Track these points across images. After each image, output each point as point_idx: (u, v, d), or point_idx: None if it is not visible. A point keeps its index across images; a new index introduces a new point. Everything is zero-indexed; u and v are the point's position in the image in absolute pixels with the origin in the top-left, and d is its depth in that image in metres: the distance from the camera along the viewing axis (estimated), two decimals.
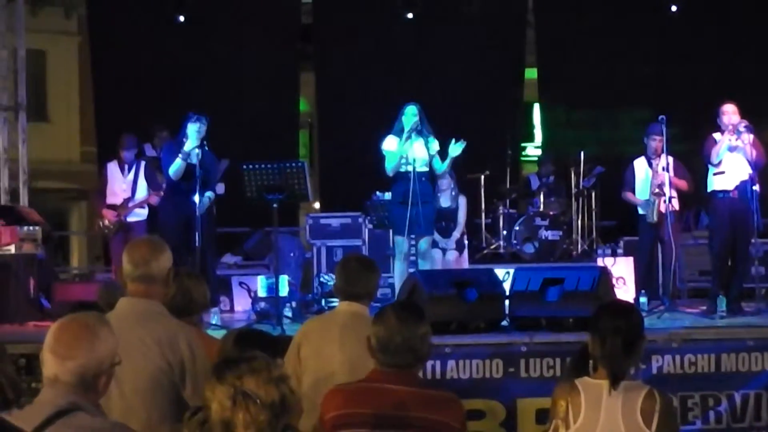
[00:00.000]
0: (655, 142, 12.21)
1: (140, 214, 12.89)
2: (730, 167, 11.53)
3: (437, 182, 12.90)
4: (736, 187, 11.51)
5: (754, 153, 11.39)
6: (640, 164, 12.45)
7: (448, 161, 11.52)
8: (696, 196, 12.45)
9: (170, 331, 4.98)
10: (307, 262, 14.06)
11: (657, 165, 12.13)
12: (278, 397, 3.56)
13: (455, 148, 11.39)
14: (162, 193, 12.51)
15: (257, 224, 13.79)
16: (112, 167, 12.98)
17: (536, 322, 10.24)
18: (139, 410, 4.79)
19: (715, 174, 11.63)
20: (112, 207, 12.78)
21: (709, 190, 11.75)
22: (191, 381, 4.89)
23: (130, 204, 12.76)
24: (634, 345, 4.84)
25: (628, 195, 12.53)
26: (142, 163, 12.99)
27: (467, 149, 11.88)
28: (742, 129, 11.39)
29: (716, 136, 11.57)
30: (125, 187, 12.83)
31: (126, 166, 12.88)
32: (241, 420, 3.51)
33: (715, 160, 11.54)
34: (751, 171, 11.42)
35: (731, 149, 11.46)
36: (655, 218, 12.09)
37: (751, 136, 11.46)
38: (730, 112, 11.50)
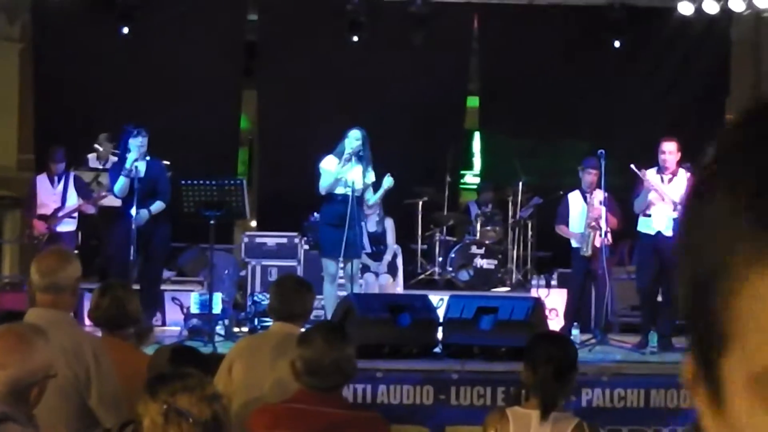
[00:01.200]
0: (591, 175, 12.32)
1: (70, 224, 12.83)
2: (656, 211, 11.71)
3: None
4: (660, 231, 11.66)
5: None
6: (574, 198, 12.53)
7: (380, 193, 11.57)
8: (629, 232, 12.53)
9: (75, 340, 4.98)
10: (241, 280, 14.00)
11: (593, 198, 12.23)
12: (211, 416, 3.54)
13: (387, 181, 11.45)
14: (94, 203, 12.56)
15: (193, 240, 13.72)
16: (41, 179, 12.95)
17: (469, 350, 10.28)
18: (45, 420, 4.74)
19: (643, 215, 11.82)
20: (42, 218, 12.70)
21: (637, 228, 11.92)
22: (96, 389, 4.91)
23: (60, 213, 12.68)
24: (567, 375, 4.86)
25: (562, 228, 12.60)
26: (72, 175, 12.94)
27: (407, 174, 11.90)
28: (664, 188, 11.56)
29: (650, 173, 11.71)
30: (55, 198, 12.77)
31: (56, 178, 12.83)
32: None
33: (637, 211, 11.76)
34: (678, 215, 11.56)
35: (658, 196, 11.64)
36: (590, 252, 12.18)
37: (688, 178, 11.59)
38: (667, 153, 11.61)
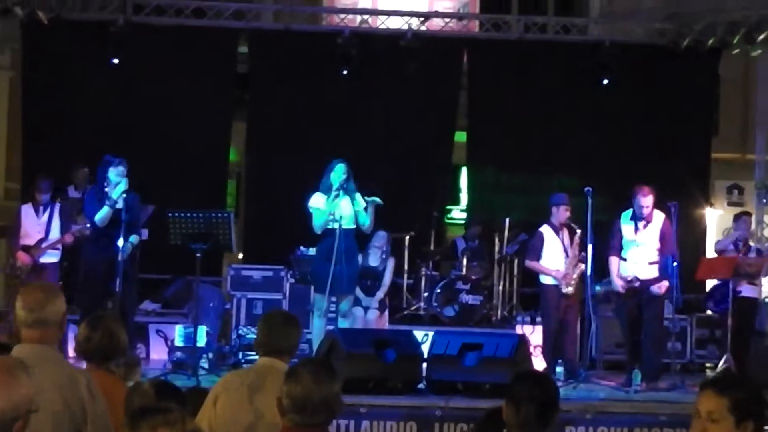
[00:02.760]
0: (567, 212, 12.38)
1: (54, 255, 12.76)
2: (631, 257, 11.82)
3: (371, 238, 13.03)
4: (635, 275, 11.74)
5: (659, 246, 11.72)
6: (548, 233, 12.52)
7: (370, 211, 11.56)
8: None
9: (68, 374, 4.97)
10: (226, 313, 13.97)
11: (576, 236, 12.27)
12: None
13: (373, 200, 11.48)
14: (76, 234, 12.46)
15: (180, 272, 13.70)
16: (27, 209, 12.89)
17: (453, 387, 10.29)
18: None
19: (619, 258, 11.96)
20: (26, 248, 12.65)
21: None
22: (92, 423, 4.88)
23: (44, 245, 12.64)
24: (548, 414, 4.86)
25: (533, 264, 12.58)
26: (57, 205, 12.90)
27: (394, 208, 11.90)
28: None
29: (624, 216, 11.85)
30: (39, 228, 12.72)
31: (41, 208, 12.78)
32: None
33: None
34: (654, 259, 11.73)
35: (634, 243, 11.79)
36: (573, 290, 12.22)
37: (663, 219, 11.76)
38: (644, 207, 11.75)
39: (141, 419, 3.59)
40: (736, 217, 13.66)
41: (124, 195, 11.29)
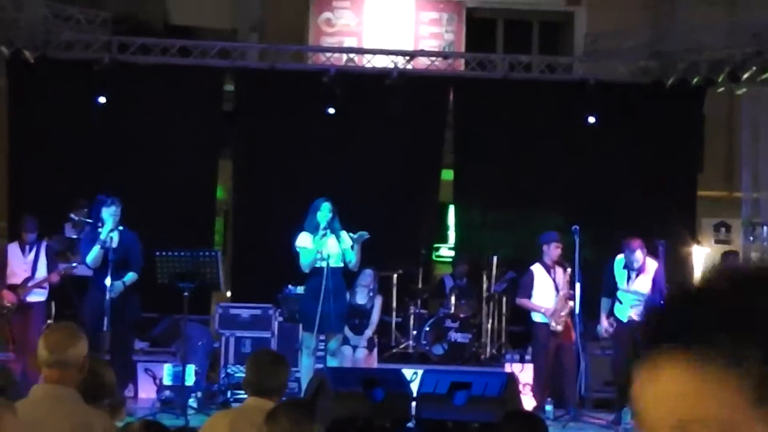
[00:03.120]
0: (558, 249, 12.39)
1: (40, 294, 12.73)
2: (626, 301, 11.86)
3: (358, 276, 13.02)
4: (631, 318, 11.78)
5: (650, 293, 11.78)
6: (539, 271, 12.53)
7: (356, 248, 11.54)
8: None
9: (86, 416, 4.98)
10: (214, 351, 13.93)
11: (566, 274, 12.28)
12: None
13: (360, 235, 11.47)
14: (62, 273, 12.49)
15: (168, 310, 13.67)
16: (13, 248, 12.88)
17: (442, 426, 10.25)
18: None
19: (616, 300, 11.99)
20: (12, 287, 12.61)
21: (614, 311, 12.06)
22: None
23: (30, 284, 12.61)
24: None
25: (523, 302, 12.59)
26: (44, 244, 12.88)
27: (381, 247, 11.90)
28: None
29: (617, 262, 11.89)
30: (26, 267, 12.70)
31: (27, 247, 12.76)
32: None
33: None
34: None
35: (628, 291, 11.85)
36: (561, 327, 12.21)
37: (655, 268, 11.79)
38: (635, 261, 11.79)
39: None
40: (724, 257, 13.66)
41: (112, 235, 11.29)
